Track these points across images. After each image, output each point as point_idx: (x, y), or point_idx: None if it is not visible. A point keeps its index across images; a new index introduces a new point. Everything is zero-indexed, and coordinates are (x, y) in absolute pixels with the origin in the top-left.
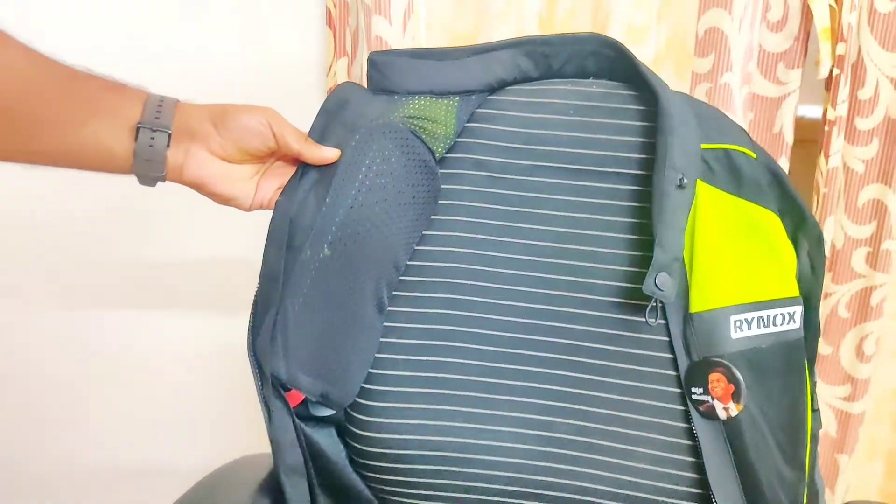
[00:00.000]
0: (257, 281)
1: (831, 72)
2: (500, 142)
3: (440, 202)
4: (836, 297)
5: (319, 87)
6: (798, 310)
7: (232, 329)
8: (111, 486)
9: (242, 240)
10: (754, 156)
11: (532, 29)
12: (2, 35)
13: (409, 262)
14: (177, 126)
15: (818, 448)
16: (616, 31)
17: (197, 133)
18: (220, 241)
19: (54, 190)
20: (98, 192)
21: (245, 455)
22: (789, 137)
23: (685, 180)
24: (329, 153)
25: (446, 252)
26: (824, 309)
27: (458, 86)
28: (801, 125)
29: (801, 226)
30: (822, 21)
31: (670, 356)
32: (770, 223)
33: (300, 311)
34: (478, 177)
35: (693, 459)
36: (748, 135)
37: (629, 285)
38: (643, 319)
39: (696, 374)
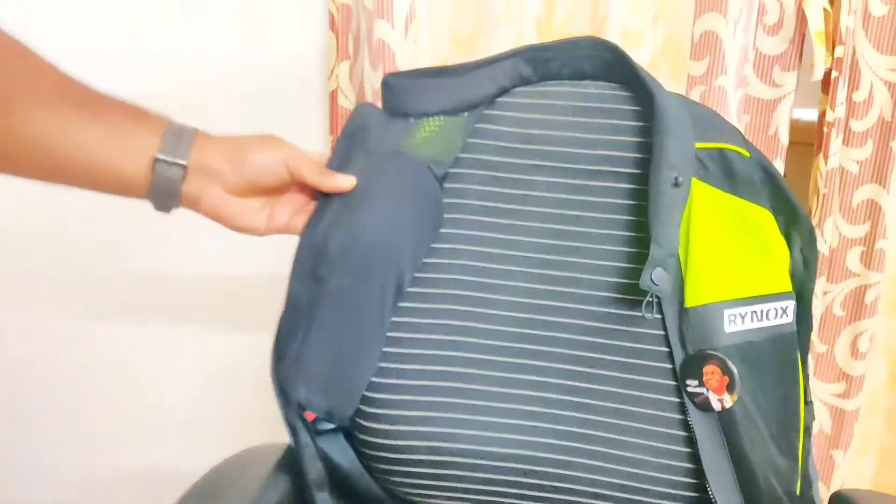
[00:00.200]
0: (268, 301)
1: (829, 74)
2: (500, 142)
3: (445, 201)
4: (830, 296)
5: (321, 89)
6: (791, 304)
7: (235, 343)
8: (115, 488)
9: (249, 256)
10: (748, 154)
11: (530, 31)
12: (33, 57)
13: None
14: (193, 162)
15: (811, 440)
16: (612, 35)
17: (213, 171)
18: (227, 256)
19: (66, 199)
20: (113, 206)
21: (253, 446)
22: (784, 139)
23: (681, 178)
24: (344, 182)
25: (452, 249)
26: (820, 308)
27: (467, 102)
28: (795, 127)
29: (793, 222)
30: (816, 24)
31: (666, 350)
32: (763, 220)
33: (319, 338)
34: (481, 176)
35: (688, 450)
36: (742, 134)
37: (626, 281)
38: (640, 314)
39: (692, 366)
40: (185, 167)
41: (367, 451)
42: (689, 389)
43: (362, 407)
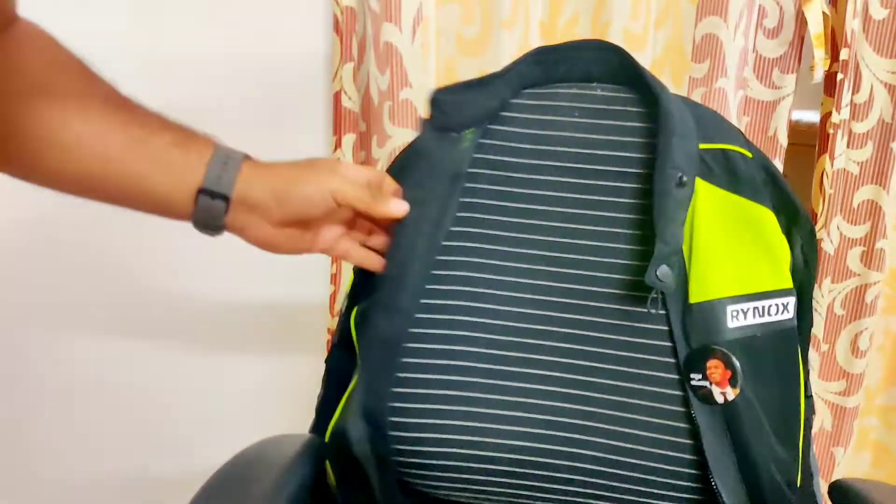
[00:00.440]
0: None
1: (833, 76)
2: (510, 142)
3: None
4: (832, 296)
5: (325, 91)
6: (791, 301)
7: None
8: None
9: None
10: (750, 155)
11: (535, 35)
12: (93, 77)
13: None
14: (237, 195)
15: (811, 433)
16: (615, 38)
17: (257, 207)
18: (234, 275)
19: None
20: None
21: (277, 434)
22: (783, 140)
23: (685, 178)
24: (396, 209)
25: (461, 247)
26: (823, 307)
27: (490, 111)
28: (793, 129)
29: (794, 222)
30: (815, 27)
31: (670, 345)
32: (765, 219)
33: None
34: (491, 176)
35: (692, 442)
36: (744, 135)
37: (631, 278)
38: (645, 310)
39: (695, 360)
40: (228, 200)
41: (394, 445)
42: (692, 383)
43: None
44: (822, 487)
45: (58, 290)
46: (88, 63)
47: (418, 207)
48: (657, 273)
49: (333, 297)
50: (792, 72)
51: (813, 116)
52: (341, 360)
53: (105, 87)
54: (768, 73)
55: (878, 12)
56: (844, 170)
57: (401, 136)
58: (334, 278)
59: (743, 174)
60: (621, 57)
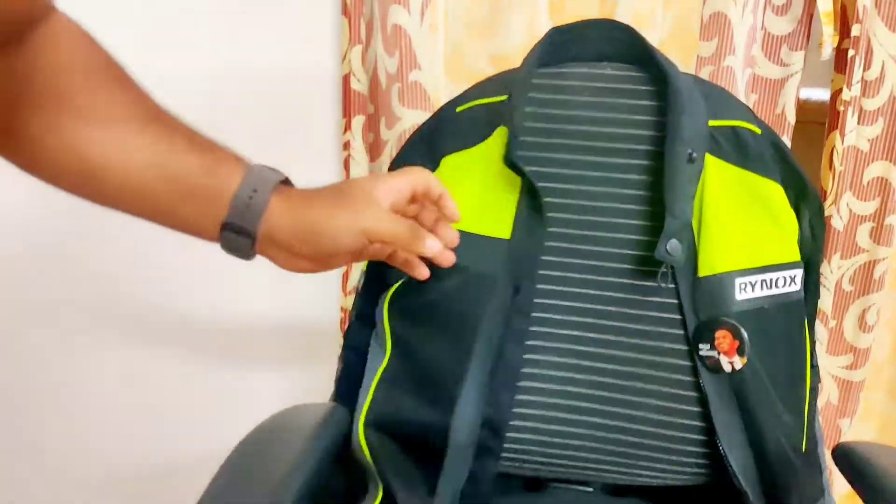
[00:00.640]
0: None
1: (844, 53)
2: (523, 122)
3: None
4: (840, 272)
5: (334, 73)
6: (798, 273)
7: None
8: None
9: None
10: (759, 131)
11: (543, 15)
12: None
13: None
14: (263, 233)
15: (817, 402)
16: (623, 17)
17: (282, 246)
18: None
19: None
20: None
21: (299, 404)
22: (791, 117)
23: (695, 154)
24: (432, 247)
25: None
26: (832, 283)
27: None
28: (800, 106)
29: (802, 196)
30: (824, 4)
31: (679, 317)
32: (774, 193)
33: None
34: None
35: (701, 409)
36: (752, 112)
37: (642, 253)
38: (655, 283)
39: (704, 331)
40: (253, 237)
41: None
42: (701, 353)
43: None
44: (826, 455)
45: (65, 294)
46: (120, 65)
47: None
48: (667, 247)
49: (346, 275)
50: (800, 49)
51: (822, 94)
52: (361, 337)
53: (134, 95)
54: (777, 51)
55: None
56: (855, 146)
57: (410, 117)
58: None
59: (752, 150)
60: (631, 36)
